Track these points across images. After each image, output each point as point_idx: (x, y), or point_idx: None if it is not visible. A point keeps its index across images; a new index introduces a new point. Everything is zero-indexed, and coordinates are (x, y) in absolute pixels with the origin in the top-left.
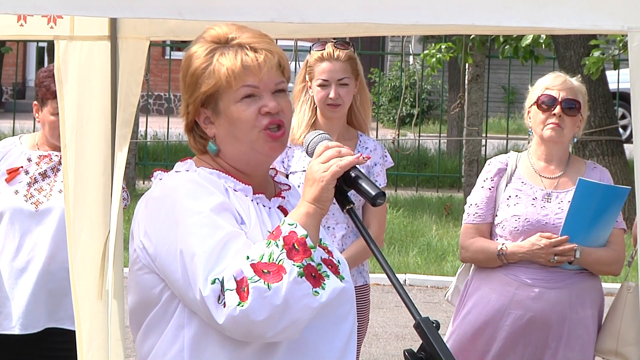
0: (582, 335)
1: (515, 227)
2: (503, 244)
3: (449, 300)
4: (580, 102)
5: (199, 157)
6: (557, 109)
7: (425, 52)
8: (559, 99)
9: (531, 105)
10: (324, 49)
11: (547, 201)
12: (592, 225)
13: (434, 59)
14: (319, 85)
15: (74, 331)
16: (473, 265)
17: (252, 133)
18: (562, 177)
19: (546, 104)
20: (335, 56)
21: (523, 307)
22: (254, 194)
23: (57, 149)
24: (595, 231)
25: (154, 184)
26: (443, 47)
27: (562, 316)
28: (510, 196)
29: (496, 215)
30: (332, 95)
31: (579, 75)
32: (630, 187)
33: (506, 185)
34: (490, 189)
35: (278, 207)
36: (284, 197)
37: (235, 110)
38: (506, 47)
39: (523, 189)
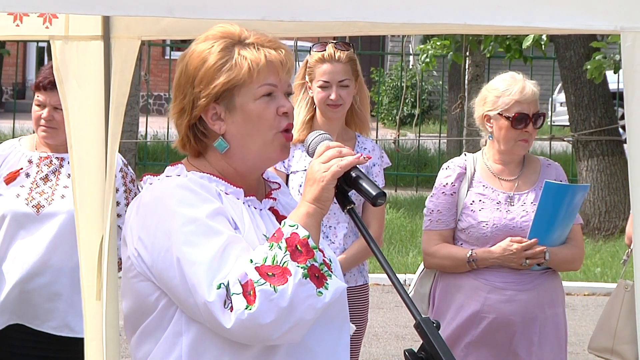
0: (552, 333)
1: (484, 233)
2: (472, 250)
3: None
4: (544, 113)
5: (189, 161)
6: (530, 127)
7: (420, 47)
8: (530, 115)
9: (497, 114)
10: (325, 50)
11: (510, 204)
12: (557, 225)
13: (426, 55)
14: (320, 87)
15: (63, 337)
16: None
17: (269, 133)
18: (520, 178)
19: (520, 122)
20: (336, 57)
21: (495, 310)
22: (245, 196)
23: (55, 149)
24: (559, 230)
25: (144, 189)
26: (438, 43)
27: (533, 316)
28: (473, 201)
29: (459, 220)
30: (333, 96)
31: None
32: (588, 185)
33: (468, 190)
34: (452, 195)
35: (269, 209)
36: (274, 198)
37: (255, 107)
38: (491, 44)
39: (486, 193)
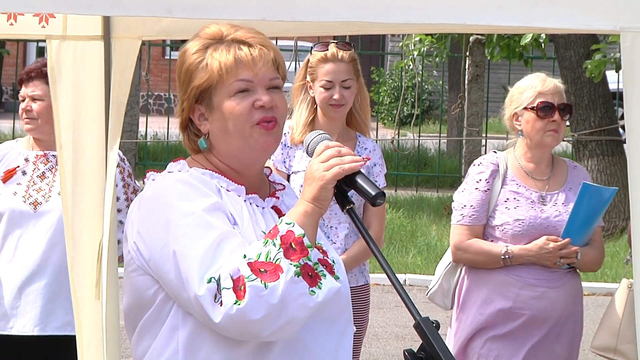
0: (571, 331)
1: (519, 231)
2: (507, 247)
3: (431, 299)
4: (571, 105)
5: (192, 158)
6: (556, 116)
7: (402, 43)
8: (556, 105)
9: (523, 109)
10: (327, 50)
11: (543, 203)
12: (588, 226)
13: (418, 52)
14: (323, 87)
15: (67, 336)
16: (463, 265)
17: (245, 127)
18: (551, 178)
19: (545, 112)
20: (339, 57)
21: (526, 307)
22: (247, 194)
23: (49, 147)
24: (588, 231)
25: (146, 185)
26: (426, 40)
27: (559, 314)
28: (508, 199)
29: (491, 217)
30: (336, 96)
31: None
32: (617, 188)
33: (501, 187)
34: (486, 191)
35: (272, 208)
36: (278, 197)
37: (229, 104)
38: (496, 50)
39: (520, 191)
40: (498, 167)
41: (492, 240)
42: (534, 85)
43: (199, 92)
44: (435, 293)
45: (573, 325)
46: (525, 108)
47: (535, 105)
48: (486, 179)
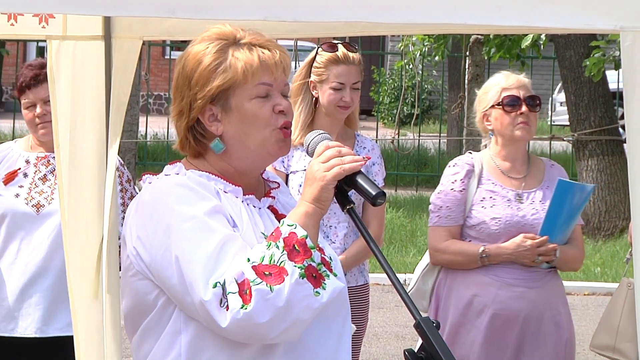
0: (555, 334)
1: (496, 230)
2: (484, 246)
3: None
4: (539, 97)
5: (188, 160)
6: (524, 108)
7: (401, 43)
8: (522, 98)
9: (490, 108)
10: (335, 50)
11: (520, 202)
12: (566, 224)
13: (411, 46)
14: (333, 88)
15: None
16: (441, 267)
17: (266, 130)
18: (527, 177)
19: (511, 105)
20: (351, 59)
21: (505, 307)
22: (244, 194)
23: (51, 149)
24: (566, 228)
25: (143, 188)
26: (425, 40)
27: (540, 315)
28: (484, 198)
29: (468, 217)
30: (347, 98)
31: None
32: (595, 185)
33: (477, 187)
34: (461, 191)
35: (268, 208)
36: (273, 197)
37: (250, 107)
38: (492, 50)
39: (496, 190)
40: (473, 167)
41: (470, 241)
42: (497, 83)
43: (218, 92)
44: (413, 296)
45: (558, 327)
46: (492, 106)
47: (500, 100)
48: (461, 179)
